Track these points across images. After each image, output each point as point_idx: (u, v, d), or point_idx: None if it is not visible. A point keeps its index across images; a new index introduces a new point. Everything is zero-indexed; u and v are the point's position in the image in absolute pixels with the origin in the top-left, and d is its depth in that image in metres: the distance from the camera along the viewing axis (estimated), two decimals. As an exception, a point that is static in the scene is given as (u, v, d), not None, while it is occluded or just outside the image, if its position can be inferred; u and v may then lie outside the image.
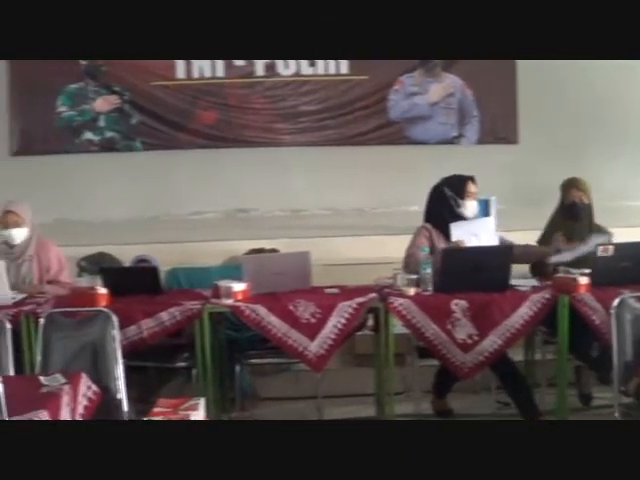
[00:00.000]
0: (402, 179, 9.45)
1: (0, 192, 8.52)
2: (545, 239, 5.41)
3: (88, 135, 9.84)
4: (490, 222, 5.31)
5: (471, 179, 5.21)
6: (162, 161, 9.81)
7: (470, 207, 5.18)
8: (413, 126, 9.93)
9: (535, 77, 9.54)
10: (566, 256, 5.14)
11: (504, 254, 4.93)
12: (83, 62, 9.66)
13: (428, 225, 5.20)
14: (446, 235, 5.11)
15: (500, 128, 9.91)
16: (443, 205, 5.16)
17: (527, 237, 5.64)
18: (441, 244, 5.09)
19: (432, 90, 9.90)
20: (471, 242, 5.02)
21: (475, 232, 5.07)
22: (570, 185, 5.47)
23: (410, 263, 5.06)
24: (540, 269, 5.26)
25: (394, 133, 9.93)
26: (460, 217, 5.16)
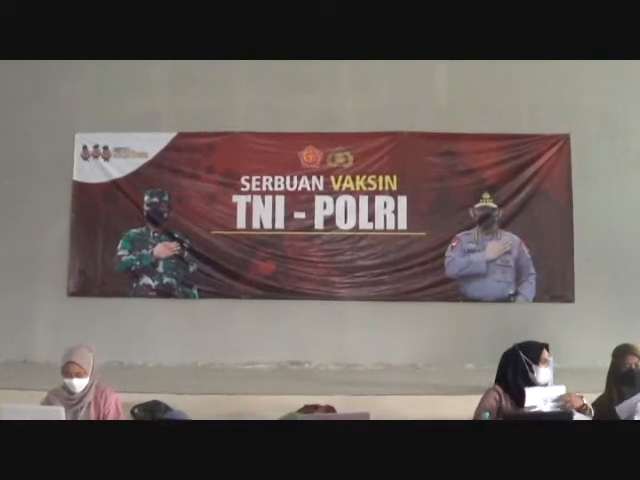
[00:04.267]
0: (457, 336, 9.47)
1: (54, 332, 9.15)
2: (600, 404, 5.24)
3: (146, 280, 9.93)
4: (562, 390, 5.12)
5: (546, 347, 5.19)
6: (218, 309, 9.84)
7: (543, 374, 5.12)
8: (469, 283, 9.84)
9: (592, 236, 9.58)
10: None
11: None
12: (146, 207, 9.88)
13: (499, 387, 5.14)
14: (516, 399, 5.04)
15: (556, 286, 9.79)
16: (517, 369, 5.12)
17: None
18: (509, 408, 5.04)
19: (489, 247, 9.88)
20: (544, 408, 4.96)
21: (547, 398, 4.99)
22: (625, 352, 5.35)
23: None
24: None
25: (450, 290, 9.84)
26: (532, 383, 5.09)
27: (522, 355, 5.12)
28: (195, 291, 9.95)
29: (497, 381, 5.19)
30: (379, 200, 9.93)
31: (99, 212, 9.94)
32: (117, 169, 10.01)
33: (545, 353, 5.15)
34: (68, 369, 5.16)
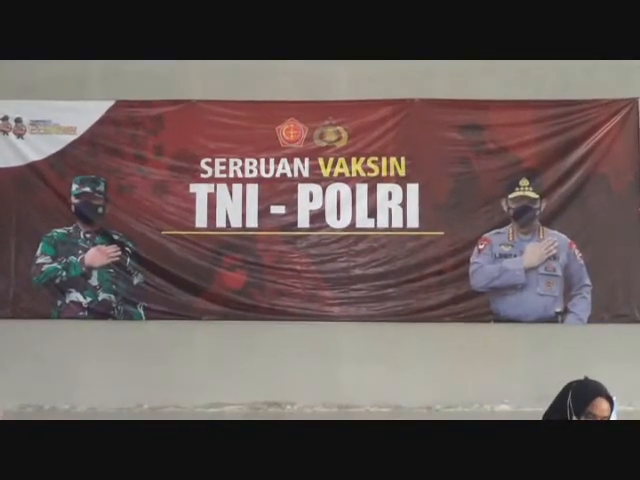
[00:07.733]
0: (486, 368, 8.51)
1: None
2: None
3: (75, 296, 8.88)
4: None
5: (606, 396, 4.61)
6: (171, 334, 8.84)
7: None
8: (503, 298, 8.67)
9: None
10: None
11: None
12: (75, 200, 8.92)
13: None
14: None
15: (619, 302, 8.67)
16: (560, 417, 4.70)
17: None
18: None
19: (529, 251, 8.72)
20: None
21: None
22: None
23: None
24: None
25: (477, 307, 8.69)
26: None
27: (569, 400, 4.63)
28: (141, 310, 8.86)
29: None
30: (382, 190, 8.86)
31: (10, 206, 8.90)
32: (34, 149, 8.92)
33: (598, 405, 4.58)
34: None
